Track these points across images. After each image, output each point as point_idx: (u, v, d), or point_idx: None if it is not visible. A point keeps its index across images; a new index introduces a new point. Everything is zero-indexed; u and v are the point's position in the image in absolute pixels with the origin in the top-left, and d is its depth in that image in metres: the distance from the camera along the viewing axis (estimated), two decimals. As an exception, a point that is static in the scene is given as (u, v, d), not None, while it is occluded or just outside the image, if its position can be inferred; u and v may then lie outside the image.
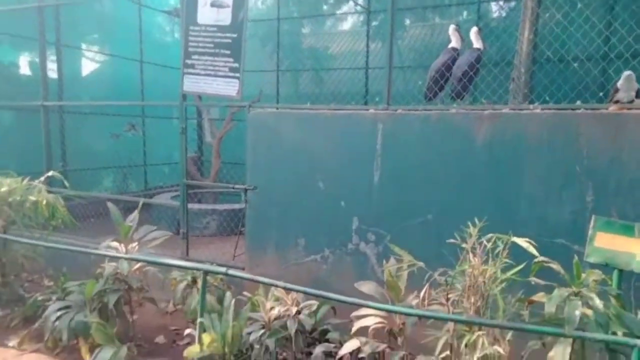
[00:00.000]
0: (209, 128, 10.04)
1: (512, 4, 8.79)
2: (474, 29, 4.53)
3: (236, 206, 7.35)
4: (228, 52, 4.75)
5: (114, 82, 9.25)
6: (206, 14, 4.80)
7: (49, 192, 5.18)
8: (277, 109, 4.65)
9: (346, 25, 11.21)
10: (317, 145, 4.41)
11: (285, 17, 10.40)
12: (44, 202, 4.69)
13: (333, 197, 4.36)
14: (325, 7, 11.20)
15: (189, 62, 4.95)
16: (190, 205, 5.54)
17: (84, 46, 9.37)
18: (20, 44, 7.90)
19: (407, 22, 10.04)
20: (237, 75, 4.74)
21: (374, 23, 9.83)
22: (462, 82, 4.36)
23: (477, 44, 4.49)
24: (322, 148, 4.39)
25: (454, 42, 4.60)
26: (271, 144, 4.61)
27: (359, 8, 9.88)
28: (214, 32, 4.79)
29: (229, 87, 4.79)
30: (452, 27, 4.63)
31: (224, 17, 4.72)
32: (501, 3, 8.77)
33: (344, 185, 4.32)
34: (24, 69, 8.37)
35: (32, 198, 4.71)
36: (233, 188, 5.01)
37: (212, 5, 4.76)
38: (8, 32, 7.39)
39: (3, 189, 4.72)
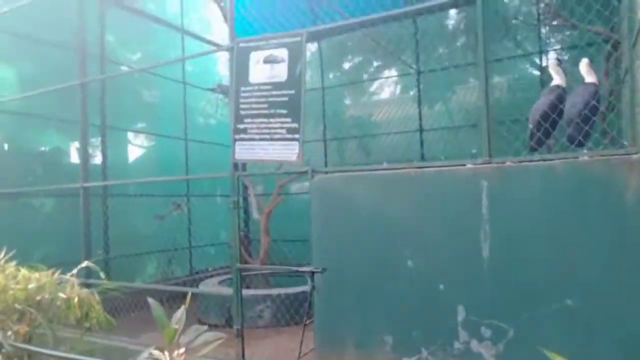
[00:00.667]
0: (256, 203, 9.38)
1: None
2: (584, 61, 3.70)
3: (291, 290, 6.41)
4: (285, 111, 4.09)
5: (159, 164, 8.89)
6: (259, 72, 4.22)
7: (85, 285, 4.47)
8: (346, 171, 3.88)
9: (388, 90, 10.73)
10: (401, 214, 3.54)
11: (329, 86, 10.01)
12: (76, 299, 3.95)
13: (427, 278, 3.40)
14: (365, 75, 10.81)
15: (240, 126, 4.32)
16: (242, 293, 4.67)
17: (129, 128, 9.18)
18: (66, 129, 7.69)
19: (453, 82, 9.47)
20: (297, 136, 4.04)
21: (421, 86, 9.27)
22: (578, 125, 3.47)
23: (590, 77, 3.64)
24: (408, 216, 3.51)
25: (558, 79, 3.78)
26: (342, 215, 3.78)
27: (410, 70, 9.35)
28: (268, 91, 4.18)
29: (287, 151, 4.08)
30: (552, 62, 3.83)
31: (279, 73, 4.12)
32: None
33: (441, 263, 3.37)
34: (70, 156, 8.13)
35: (63, 295, 3.98)
36: (297, 271, 4.13)
37: (266, 61, 4.19)
38: (54, 117, 7.17)
39: (31, 286, 4.03)
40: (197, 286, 7.28)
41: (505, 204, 3.18)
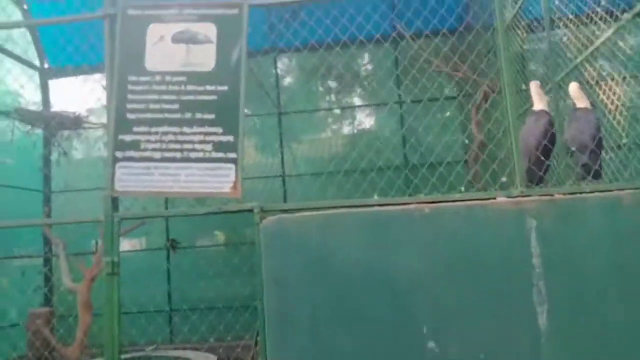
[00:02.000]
0: (66, 266, 6.82)
1: None
2: (574, 84, 3.26)
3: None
4: (211, 116, 2.63)
5: None
6: (164, 55, 2.69)
7: None
8: (317, 209, 2.55)
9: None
10: (411, 271, 2.39)
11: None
12: None
13: (459, 366, 2.29)
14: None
15: (125, 138, 2.65)
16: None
17: None
18: None
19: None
20: (233, 155, 2.59)
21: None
22: (594, 153, 2.93)
23: (582, 102, 3.19)
24: (423, 274, 2.39)
25: (541, 104, 3.25)
26: (318, 277, 2.43)
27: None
28: (181, 85, 2.66)
29: (215, 179, 2.58)
30: (535, 84, 3.31)
31: (201, 58, 2.66)
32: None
33: (479, 342, 2.31)
34: None
35: None
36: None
37: (177, 40, 2.69)
38: None
39: None
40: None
41: (564, 250, 2.33)
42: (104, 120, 7.31)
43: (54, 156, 7.04)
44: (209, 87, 2.64)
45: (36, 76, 7.36)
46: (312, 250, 2.46)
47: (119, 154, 2.64)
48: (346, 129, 8.10)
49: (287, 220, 2.48)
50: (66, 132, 7.19)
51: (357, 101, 7.79)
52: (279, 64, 7.50)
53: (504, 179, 2.70)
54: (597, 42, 3.58)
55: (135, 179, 2.62)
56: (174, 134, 2.63)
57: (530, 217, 2.35)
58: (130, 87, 2.68)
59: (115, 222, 2.59)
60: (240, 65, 2.64)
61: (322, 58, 6.35)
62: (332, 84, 7.63)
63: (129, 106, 2.67)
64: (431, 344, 2.31)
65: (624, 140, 3.51)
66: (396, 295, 2.40)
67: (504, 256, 2.36)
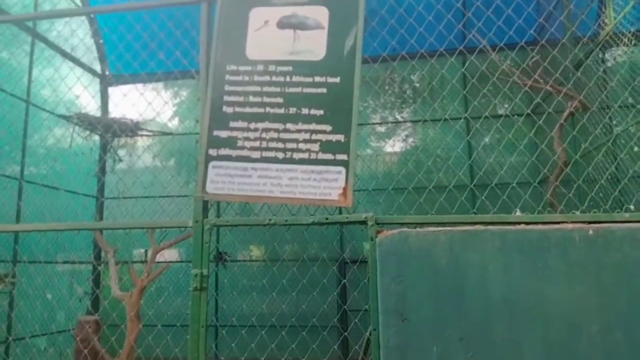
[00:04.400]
0: (115, 275, 6.63)
1: None
2: None
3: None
4: (320, 112, 2.28)
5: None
6: (269, 42, 2.37)
7: None
8: (445, 224, 2.14)
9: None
10: (569, 306, 1.94)
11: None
12: None
13: None
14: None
15: (220, 135, 2.33)
16: None
17: None
18: None
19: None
20: (344, 157, 2.23)
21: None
22: None
23: None
24: (586, 310, 1.94)
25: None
26: (450, 308, 2.01)
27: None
28: (287, 76, 2.33)
29: (323, 184, 2.22)
30: None
31: (311, 46, 2.33)
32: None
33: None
34: None
35: None
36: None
37: (284, 25, 2.38)
38: None
39: None
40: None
41: None
42: (157, 128, 7.21)
43: (109, 163, 6.91)
44: (318, 79, 2.30)
45: (95, 82, 7.31)
46: (443, 274, 2.04)
47: (212, 152, 2.32)
48: (407, 144, 7.73)
49: (410, 236, 2.08)
50: (122, 140, 7.08)
51: (422, 116, 7.41)
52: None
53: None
54: None
55: (230, 181, 2.28)
56: (277, 131, 2.29)
57: None
58: (228, 77, 2.37)
59: (206, 230, 2.24)
60: (355, 54, 2.30)
61: (384, 70, 6.05)
62: (394, 97, 7.31)
63: (227, 98, 2.35)
64: (600, 399, 1.84)
65: None
66: (550, 334, 1.95)
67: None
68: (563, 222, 2.03)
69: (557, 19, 5.26)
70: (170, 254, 7.10)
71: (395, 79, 7.60)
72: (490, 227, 2.06)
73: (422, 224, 2.14)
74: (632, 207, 2.59)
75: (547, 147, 5.33)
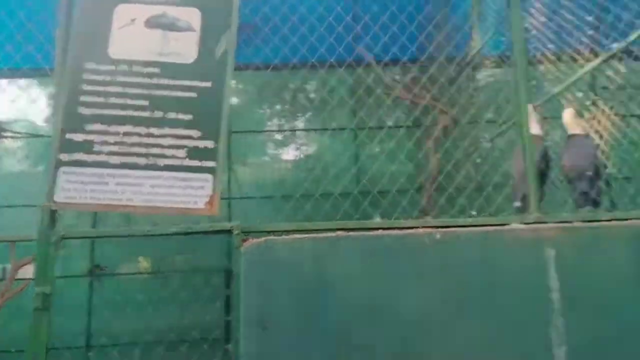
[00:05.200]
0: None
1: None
2: (570, 111, 3.16)
3: None
4: (188, 117, 2.18)
5: None
6: (135, 41, 2.23)
7: None
8: (310, 231, 2.13)
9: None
10: (420, 305, 2.05)
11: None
12: None
13: None
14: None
15: (75, 138, 2.13)
16: None
17: None
18: None
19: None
20: (212, 164, 2.15)
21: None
22: (592, 181, 2.80)
23: (577, 129, 3.09)
24: (434, 308, 2.05)
25: (536, 128, 3.11)
26: (312, 316, 2.00)
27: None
28: (154, 77, 2.21)
29: (188, 192, 2.12)
30: (530, 107, 3.18)
31: (181, 48, 2.24)
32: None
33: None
34: None
35: None
36: None
37: (153, 25, 2.25)
38: None
39: None
40: None
41: (585, 284, 2.09)
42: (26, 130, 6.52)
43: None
44: (187, 82, 2.21)
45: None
46: (306, 281, 2.04)
47: (64, 157, 2.11)
48: (294, 154, 7.81)
49: (276, 244, 2.05)
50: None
51: (307, 126, 7.57)
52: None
53: (517, 204, 2.46)
54: (580, 73, 3.56)
55: (83, 189, 2.09)
56: (140, 135, 2.15)
57: (548, 247, 2.09)
58: (86, 76, 2.19)
59: (53, 242, 2.02)
60: (227, 59, 2.25)
61: (273, 79, 6.09)
62: (281, 107, 7.37)
63: (83, 99, 2.16)
64: (448, 399, 1.94)
65: (611, 170, 3.48)
66: (404, 333, 2.03)
67: (520, 289, 2.07)
68: (416, 227, 2.14)
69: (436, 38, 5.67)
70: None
71: (291, 88, 7.68)
72: (352, 233, 2.11)
73: (288, 232, 2.13)
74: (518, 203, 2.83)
75: (425, 158, 5.71)
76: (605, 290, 2.09)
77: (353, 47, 5.25)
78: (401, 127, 5.98)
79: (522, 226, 2.18)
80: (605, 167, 3.23)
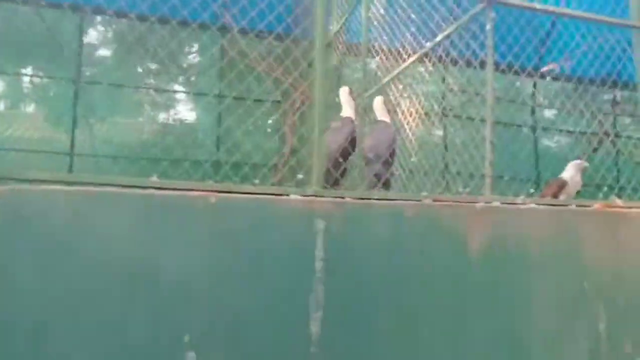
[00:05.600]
0: None
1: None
2: (379, 99, 3.35)
3: None
4: None
5: None
6: None
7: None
8: (74, 184, 2.00)
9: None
10: (184, 271, 2.04)
11: None
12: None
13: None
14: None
15: None
16: None
17: None
18: None
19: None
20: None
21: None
22: (387, 164, 3.01)
23: (384, 116, 3.30)
24: (198, 275, 2.05)
25: (349, 110, 3.27)
26: (60, 273, 1.89)
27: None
28: None
29: None
30: (344, 91, 3.32)
31: None
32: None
33: (243, 351, 2.05)
34: None
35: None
36: None
37: None
38: None
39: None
40: None
41: (346, 256, 2.24)
42: None
43: None
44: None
45: None
46: (60, 236, 1.92)
47: None
48: (158, 116, 7.50)
49: (25, 194, 1.90)
50: None
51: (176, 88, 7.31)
52: (91, 29, 6.67)
53: (300, 176, 2.57)
54: (400, 68, 3.83)
55: None
56: None
57: (319, 219, 2.21)
58: None
59: None
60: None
61: (142, 34, 5.76)
62: (152, 65, 7.01)
63: None
64: (191, 355, 1.96)
65: (413, 159, 3.79)
66: (162, 299, 2.00)
67: (289, 259, 2.17)
68: (193, 190, 2.13)
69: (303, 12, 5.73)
70: None
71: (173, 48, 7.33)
72: (117, 189, 2.03)
73: (48, 182, 1.99)
74: (300, 175, 2.89)
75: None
76: (362, 262, 2.27)
77: (219, 15, 5.14)
78: (260, 101, 6.02)
79: (299, 197, 2.27)
80: (410, 156, 3.53)
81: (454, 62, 3.51)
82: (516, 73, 3.39)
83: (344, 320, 2.19)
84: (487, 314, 2.41)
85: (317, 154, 2.39)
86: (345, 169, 3.05)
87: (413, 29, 3.55)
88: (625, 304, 2.60)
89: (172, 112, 7.49)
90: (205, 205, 2.11)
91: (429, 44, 3.50)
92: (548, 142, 8.75)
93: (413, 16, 3.51)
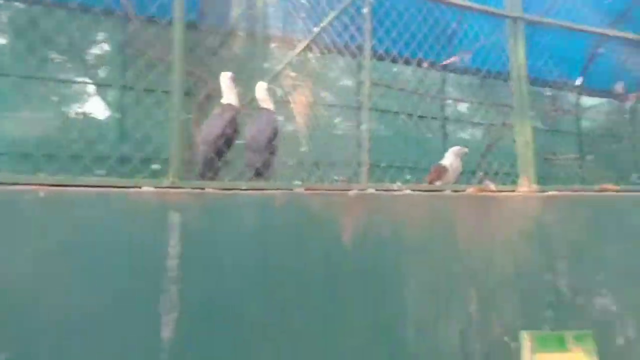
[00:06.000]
0: None
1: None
2: (262, 85, 3.18)
3: None
4: None
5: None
6: None
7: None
8: None
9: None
10: (8, 273, 1.76)
11: None
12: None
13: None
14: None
15: None
16: None
17: None
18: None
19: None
20: None
21: None
22: (265, 153, 2.87)
23: (267, 103, 3.15)
24: (18, 275, 1.78)
25: (231, 97, 3.08)
26: None
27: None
28: None
29: None
30: (225, 76, 3.12)
31: None
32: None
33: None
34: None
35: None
36: None
37: None
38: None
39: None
40: None
41: (207, 251, 2.07)
42: None
43: None
44: None
45: None
46: None
47: None
48: (58, 109, 6.83)
49: None
50: None
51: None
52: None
53: (155, 166, 2.35)
54: (290, 56, 3.73)
55: None
56: None
57: (174, 211, 2.02)
58: None
59: None
60: None
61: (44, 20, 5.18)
62: (55, 55, 6.34)
63: None
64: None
65: (303, 149, 3.70)
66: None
67: (136, 257, 1.96)
68: (22, 184, 1.85)
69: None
70: None
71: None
72: None
73: None
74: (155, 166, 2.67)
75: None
76: (226, 257, 2.12)
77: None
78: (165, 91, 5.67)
79: (152, 190, 2.06)
80: (300, 145, 3.44)
81: (340, 52, 3.45)
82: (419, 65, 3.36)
83: (204, 321, 2.02)
84: (362, 301, 2.36)
85: (176, 143, 2.19)
86: (225, 158, 2.87)
87: (304, 15, 3.44)
88: (495, 286, 2.67)
89: (75, 105, 6.90)
90: (33, 199, 1.84)
91: (316, 29, 3.41)
92: (459, 133, 9.12)
93: (303, 1, 3.41)
